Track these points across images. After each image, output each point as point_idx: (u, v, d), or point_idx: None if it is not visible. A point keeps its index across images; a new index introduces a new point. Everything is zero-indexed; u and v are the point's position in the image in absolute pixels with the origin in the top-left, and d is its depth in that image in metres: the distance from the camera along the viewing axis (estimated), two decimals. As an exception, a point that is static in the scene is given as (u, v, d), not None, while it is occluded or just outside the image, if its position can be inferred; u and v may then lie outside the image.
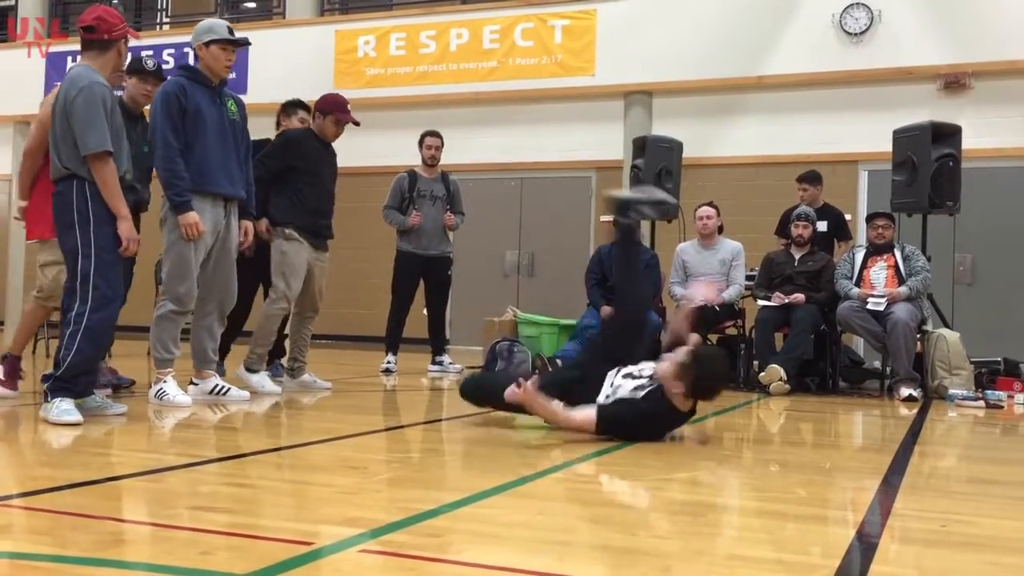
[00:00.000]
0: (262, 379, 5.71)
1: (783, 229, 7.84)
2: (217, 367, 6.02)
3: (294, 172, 5.85)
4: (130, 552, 2.03)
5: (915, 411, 5.89)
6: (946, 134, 7.33)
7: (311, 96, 6.74)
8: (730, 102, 11.09)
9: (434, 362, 7.92)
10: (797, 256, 7.31)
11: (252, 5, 15.42)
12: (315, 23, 13.17)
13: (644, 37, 11.27)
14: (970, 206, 7.81)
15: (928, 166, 7.16)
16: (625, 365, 4.37)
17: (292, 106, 6.72)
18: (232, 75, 5.30)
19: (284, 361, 6.28)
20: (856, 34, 10.44)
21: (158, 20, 15.08)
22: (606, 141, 11.49)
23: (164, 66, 5.73)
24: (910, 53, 10.26)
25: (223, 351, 6.23)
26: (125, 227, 4.11)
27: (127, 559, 1.97)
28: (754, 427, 5.25)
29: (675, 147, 8.43)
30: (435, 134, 7.93)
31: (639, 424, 4.04)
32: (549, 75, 11.71)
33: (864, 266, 7.06)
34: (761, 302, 7.20)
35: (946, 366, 6.81)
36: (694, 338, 4.35)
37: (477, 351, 8.90)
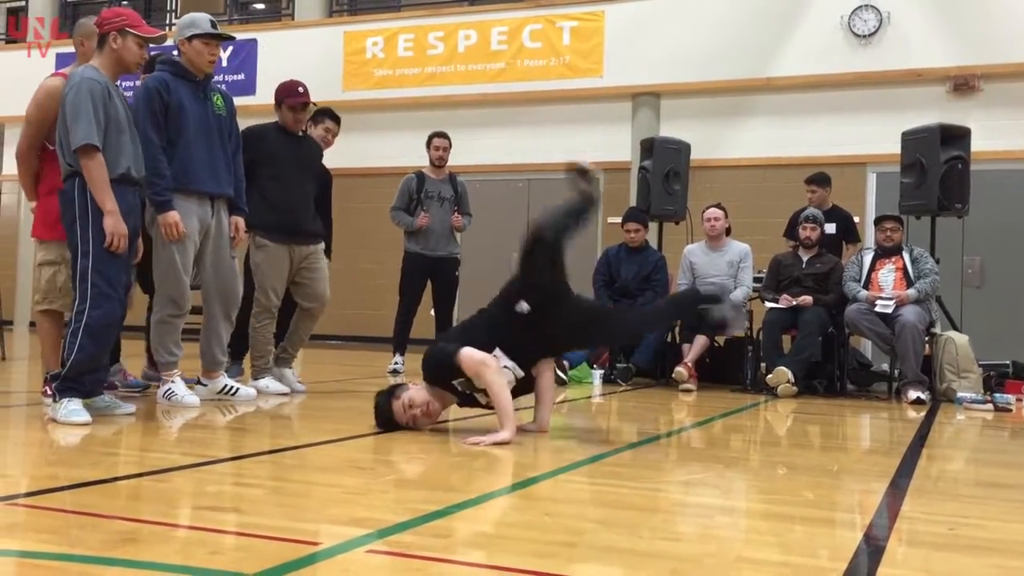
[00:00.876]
0: (268, 382, 5.67)
1: (791, 231, 7.83)
2: (235, 367, 6.08)
3: (257, 168, 5.52)
4: (138, 551, 2.04)
5: (923, 414, 5.88)
6: (955, 136, 7.31)
7: (320, 98, 6.72)
8: (738, 104, 11.09)
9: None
10: (805, 258, 7.30)
11: (261, 6, 15.45)
12: (324, 24, 13.20)
13: (652, 39, 11.27)
14: (979, 208, 7.79)
15: (937, 168, 7.14)
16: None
17: (319, 114, 6.58)
18: (240, 75, 5.31)
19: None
20: (865, 36, 10.42)
21: (167, 21, 15.13)
22: (614, 143, 11.49)
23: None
24: (919, 55, 10.24)
25: (240, 352, 6.23)
26: (109, 222, 4.04)
27: (135, 558, 1.97)
28: (761, 429, 5.24)
29: (683, 149, 8.42)
30: (443, 135, 7.94)
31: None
32: (557, 76, 11.72)
33: (872, 268, 7.04)
34: (769, 304, 7.19)
35: (954, 369, 6.79)
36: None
37: (484, 352, 8.89)
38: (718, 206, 7.68)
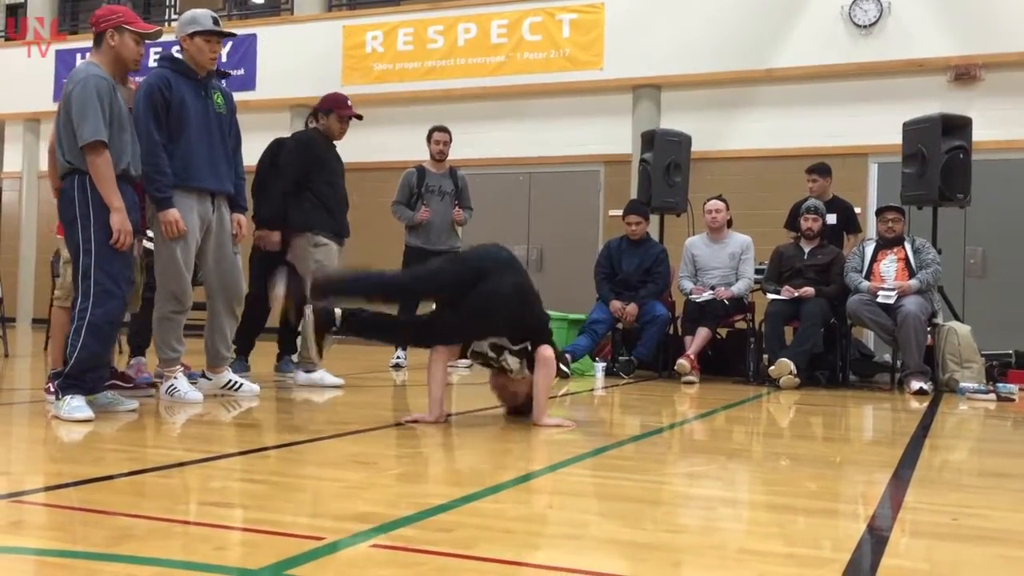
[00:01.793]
0: (322, 374, 5.90)
1: (792, 222, 7.82)
2: (241, 364, 6.17)
3: (312, 175, 5.89)
4: (142, 547, 2.04)
5: (926, 404, 5.88)
6: (956, 126, 7.29)
7: (319, 92, 6.72)
8: (739, 95, 11.07)
9: (444, 357, 7.92)
10: (807, 249, 7.29)
11: (260, 1, 15.43)
12: (323, 19, 13.17)
13: (652, 31, 11.24)
14: (981, 198, 7.78)
15: (938, 158, 7.13)
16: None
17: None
18: (240, 71, 5.32)
19: (295, 357, 6.31)
20: (865, 26, 10.39)
21: (167, 17, 15.12)
22: (614, 135, 11.48)
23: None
24: (920, 45, 10.21)
25: (246, 348, 6.28)
26: (116, 219, 4.06)
27: (139, 554, 1.98)
28: (764, 421, 5.25)
29: (684, 141, 8.41)
30: (443, 129, 7.94)
31: None
32: (557, 69, 11.70)
33: (874, 259, 7.04)
34: (771, 296, 7.19)
35: (957, 359, 6.79)
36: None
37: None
38: (719, 198, 7.67)
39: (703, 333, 7.23)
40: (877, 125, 9.98)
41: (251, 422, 4.51)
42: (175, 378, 4.88)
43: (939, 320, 7.04)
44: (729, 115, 11.08)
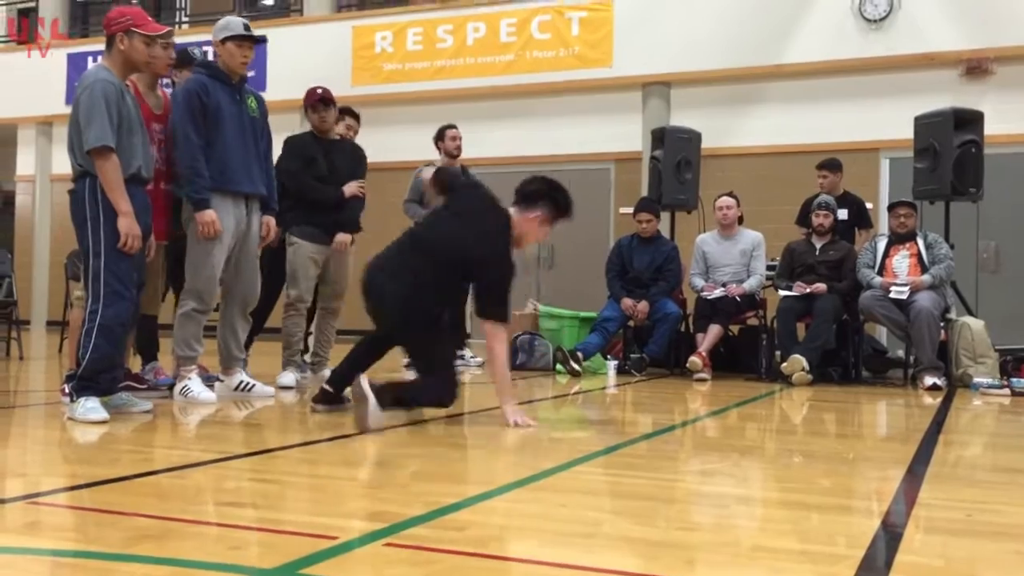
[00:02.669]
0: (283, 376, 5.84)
1: (804, 218, 7.80)
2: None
3: (299, 176, 5.86)
4: (158, 548, 2.05)
5: (939, 400, 5.85)
6: (968, 120, 7.26)
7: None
8: (749, 91, 11.04)
9: (456, 356, 7.93)
10: (818, 245, 7.27)
11: (270, 2, 15.48)
12: (332, 19, 13.21)
13: (661, 28, 11.22)
14: (993, 193, 7.74)
15: (950, 153, 7.10)
16: None
17: (340, 113, 6.66)
18: (251, 72, 5.35)
19: (307, 356, 6.32)
20: (876, 20, 10.35)
21: (177, 19, 15.17)
22: (624, 133, 11.46)
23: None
24: (931, 39, 10.16)
25: (245, 346, 6.28)
26: (124, 223, 4.08)
27: (155, 555, 1.99)
28: (777, 418, 5.24)
29: (694, 138, 8.40)
30: (455, 127, 7.95)
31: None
32: (566, 67, 11.69)
33: (886, 255, 7.01)
34: (783, 292, 7.17)
35: (970, 354, 6.76)
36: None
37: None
38: (730, 195, 7.66)
39: (715, 330, 7.21)
40: (888, 120, 9.94)
41: (263, 422, 4.52)
42: (189, 379, 4.92)
43: (952, 315, 7.01)
44: (739, 111, 11.06)
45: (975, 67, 10.06)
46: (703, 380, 6.91)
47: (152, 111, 4.91)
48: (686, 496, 2.90)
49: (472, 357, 7.92)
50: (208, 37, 5.62)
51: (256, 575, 1.86)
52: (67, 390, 4.23)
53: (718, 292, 7.27)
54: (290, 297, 5.88)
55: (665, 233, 8.24)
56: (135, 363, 5.55)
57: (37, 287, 14.25)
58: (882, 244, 7.09)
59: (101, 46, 4.48)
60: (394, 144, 12.18)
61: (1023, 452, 4.03)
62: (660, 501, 2.73)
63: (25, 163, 15.00)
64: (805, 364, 6.58)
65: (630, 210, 8.20)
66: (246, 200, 5.07)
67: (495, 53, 12.06)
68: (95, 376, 4.10)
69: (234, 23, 5.10)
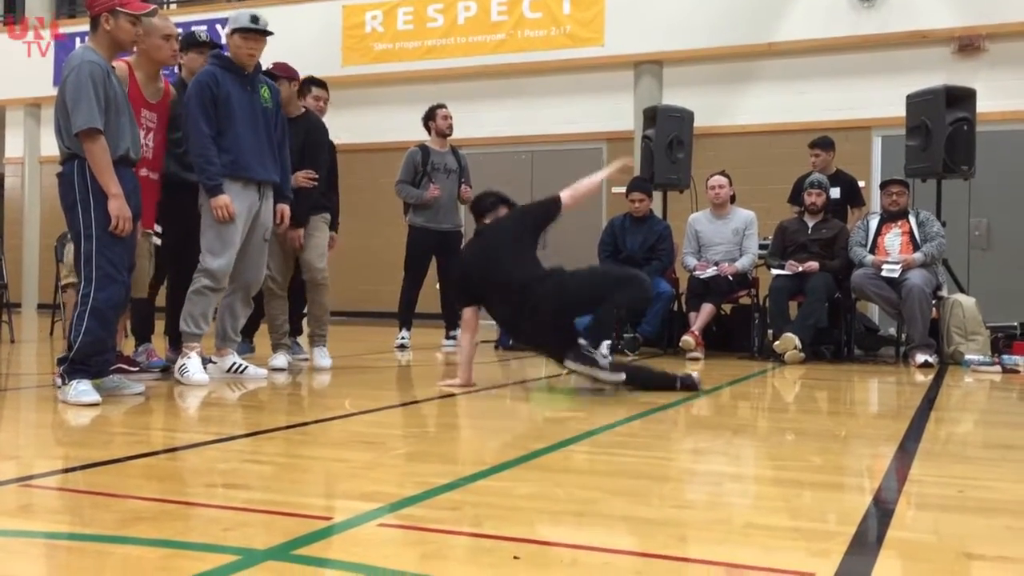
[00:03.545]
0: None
1: (796, 197, 7.80)
2: (246, 346, 6.28)
3: None
4: (151, 529, 2.05)
5: (931, 377, 5.88)
6: (960, 98, 7.25)
7: (320, 73, 6.71)
8: (741, 70, 11.01)
9: (448, 337, 7.93)
10: (810, 224, 7.28)
11: (259, -18, 15.32)
12: (322, -1, 13.11)
13: (653, 6, 11.17)
14: (985, 170, 7.74)
15: (942, 130, 7.09)
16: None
17: (305, 83, 6.63)
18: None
19: (298, 338, 6.34)
20: (868, -2, 10.31)
21: (165, 0, 15.03)
22: (616, 112, 11.44)
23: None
24: (923, 16, 10.14)
25: (251, 329, 6.34)
26: (114, 205, 4.07)
27: (150, 536, 1.99)
28: (769, 396, 5.25)
29: (686, 116, 8.38)
30: (445, 106, 7.92)
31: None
32: (558, 46, 11.64)
33: (878, 233, 7.02)
34: (775, 271, 7.18)
35: (962, 332, 6.78)
36: None
37: (490, 325, 8.91)
38: (722, 173, 7.65)
39: (707, 309, 7.22)
40: (880, 98, 9.93)
41: (257, 404, 4.52)
42: (188, 357, 4.93)
43: (944, 293, 7.03)
44: (731, 90, 11.03)
45: (967, 44, 10.04)
46: (696, 359, 6.93)
47: (148, 99, 4.93)
48: (679, 474, 2.91)
49: (465, 338, 7.91)
50: (197, 17, 5.59)
51: (250, 556, 1.86)
52: (59, 372, 4.21)
53: (710, 271, 7.28)
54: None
55: (657, 212, 8.24)
56: (127, 345, 5.55)
57: (27, 270, 14.20)
58: (874, 222, 7.10)
59: (88, 27, 4.42)
60: (385, 124, 12.15)
61: (1014, 428, 4.06)
62: (653, 480, 2.74)
63: (14, 145, 14.91)
64: (797, 342, 6.59)
65: (622, 190, 8.19)
66: (259, 187, 5.13)
67: (486, 32, 11.99)
68: (87, 359, 4.09)
69: (241, 16, 5.18)
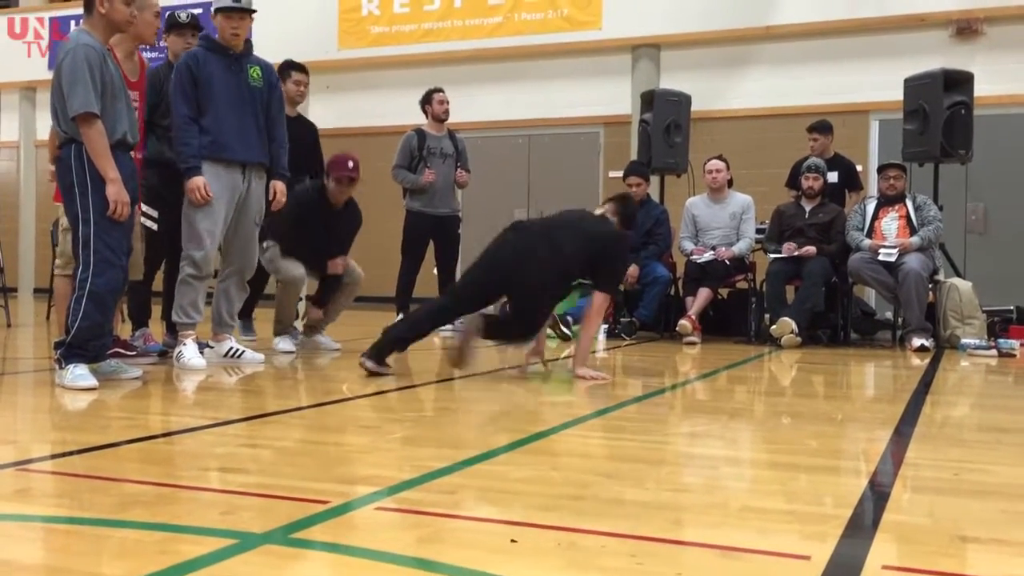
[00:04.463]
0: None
1: (793, 181, 7.80)
2: (247, 329, 6.38)
3: (299, 233, 5.92)
4: (149, 513, 2.06)
5: (927, 361, 5.90)
6: (958, 81, 7.24)
7: (316, 57, 6.68)
8: (738, 53, 10.98)
9: (445, 321, 7.94)
10: (808, 208, 7.27)
11: (254, -36, 15.24)
12: (318, -19, 13.03)
13: (651, -11, 11.12)
14: (983, 154, 7.74)
15: (940, 114, 7.08)
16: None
17: (285, 68, 6.63)
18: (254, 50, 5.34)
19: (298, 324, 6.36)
20: (866, -19, 10.27)
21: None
22: (614, 96, 11.40)
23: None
24: (921, 0, 10.10)
25: (248, 311, 6.38)
26: (112, 190, 4.05)
27: (148, 520, 2.00)
28: (766, 380, 5.26)
29: (683, 100, 8.35)
30: (442, 90, 7.89)
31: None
32: (555, 30, 11.59)
33: (875, 217, 7.02)
34: (772, 255, 7.18)
35: (958, 315, 6.80)
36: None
37: (488, 309, 8.90)
38: (719, 158, 7.64)
39: (704, 293, 7.23)
40: (878, 82, 9.91)
41: (254, 388, 4.53)
42: (184, 344, 4.94)
43: (940, 277, 7.04)
44: (729, 74, 11.00)
45: (965, 28, 10.01)
46: (693, 343, 6.94)
47: (128, 78, 4.83)
48: (675, 458, 2.92)
49: (461, 322, 7.90)
50: (187, 1, 5.56)
51: (248, 539, 1.86)
52: (56, 356, 4.21)
53: (708, 255, 7.28)
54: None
55: (655, 197, 8.23)
56: (124, 330, 5.55)
57: (23, 254, 14.17)
58: (871, 206, 7.10)
59: (82, 10, 4.38)
60: (381, 108, 12.10)
61: (1009, 412, 4.07)
62: (650, 463, 2.74)
63: (8, 129, 14.85)
64: (794, 327, 6.60)
65: (619, 174, 8.18)
66: (244, 169, 5.06)
67: (483, 15, 11.94)
68: (84, 344, 4.09)
69: None
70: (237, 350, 5.22)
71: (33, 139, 14.39)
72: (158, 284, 5.56)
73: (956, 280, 7.01)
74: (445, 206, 7.76)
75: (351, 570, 1.74)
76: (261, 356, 5.32)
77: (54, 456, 2.81)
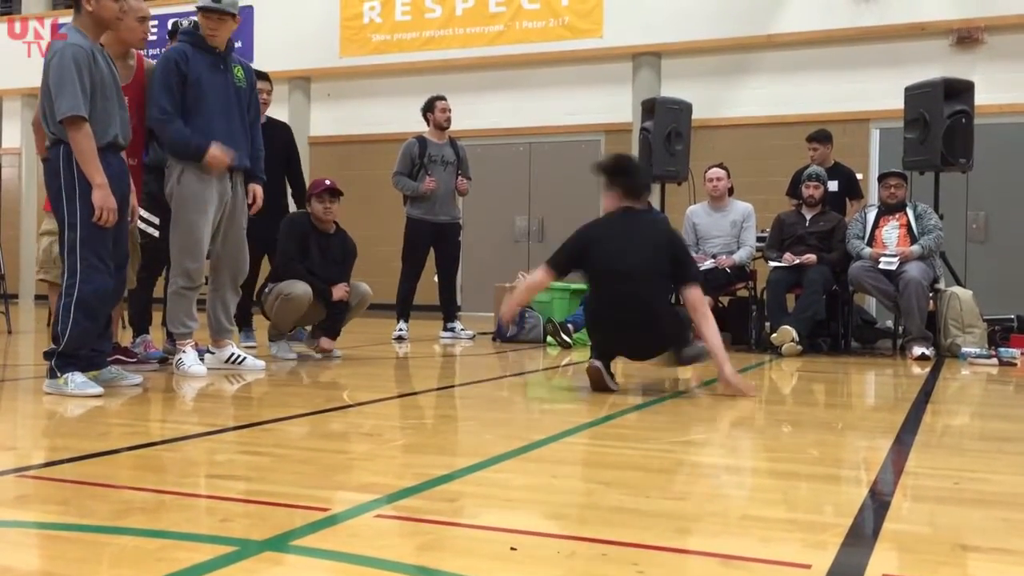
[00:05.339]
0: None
1: (794, 189, 7.80)
2: (248, 337, 6.44)
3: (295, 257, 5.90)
4: (149, 520, 2.05)
5: (928, 370, 5.89)
6: (959, 90, 7.24)
7: (318, 64, 6.70)
8: (739, 62, 10.99)
9: (446, 329, 7.95)
10: (808, 216, 7.27)
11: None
12: (320, -11, 13.06)
13: (652, -2, 11.14)
14: (983, 163, 7.74)
15: (940, 123, 7.08)
16: None
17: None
18: (238, 43, 5.30)
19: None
20: (867, -10, 10.29)
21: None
22: (615, 104, 11.42)
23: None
24: (922, 8, 10.12)
25: (247, 320, 6.38)
26: (98, 195, 3.97)
27: (146, 527, 1.99)
28: (766, 388, 5.26)
29: (684, 108, 8.36)
30: (444, 98, 7.90)
31: None
32: (556, 38, 11.62)
33: (876, 225, 7.02)
34: (772, 263, 7.18)
35: (959, 324, 6.79)
36: None
37: (488, 317, 8.92)
38: (720, 166, 7.64)
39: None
40: (879, 90, 9.92)
41: (254, 396, 4.52)
42: (183, 352, 4.93)
43: (941, 285, 7.03)
44: (730, 82, 11.02)
45: (966, 37, 10.03)
46: (693, 351, 6.92)
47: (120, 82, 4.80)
48: (676, 466, 2.91)
49: (462, 330, 7.92)
50: (184, 9, 5.55)
51: (247, 547, 1.86)
52: (50, 366, 4.15)
53: (708, 263, 7.27)
54: None
55: (655, 205, 8.23)
56: (125, 336, 5.55)
57: (25, 261, 14.14)
58: (872, 215, 7.10)
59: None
60: (383, 116, 12.12)
61: (1010, 421, 4.06)
62: (650, 472, 2.74)
63: (11, 135, 14.87)
64: (795, 335, 6.60)
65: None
66: (230, 173, 5.03)
67: (484, 23, 11.96)
68: (76, 352, 4.04)
69: None
70: (238, 356, 5.22)
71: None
72: (159, 291, 5.56)
73: (957, 289, 7.00)
74: (446, 213, 7.77)
75: (350, 578, 1.73)
76: (262, 363, 5.31)
77: (54, 463, 2.81)
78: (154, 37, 12.79)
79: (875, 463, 2.97)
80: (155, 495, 2.30)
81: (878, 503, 2.36)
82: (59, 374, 4.04)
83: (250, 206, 5.19)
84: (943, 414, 4.25)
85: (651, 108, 8.30)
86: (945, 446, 3.40)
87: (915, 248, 6.76)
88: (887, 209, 7.04)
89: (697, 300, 4.46)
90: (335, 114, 12.55)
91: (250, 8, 12.70)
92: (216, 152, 4.81)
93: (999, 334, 6.92)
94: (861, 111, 10.33)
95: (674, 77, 11.10)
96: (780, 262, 7.08)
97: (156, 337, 5.57)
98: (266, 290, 5.85)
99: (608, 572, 1.76)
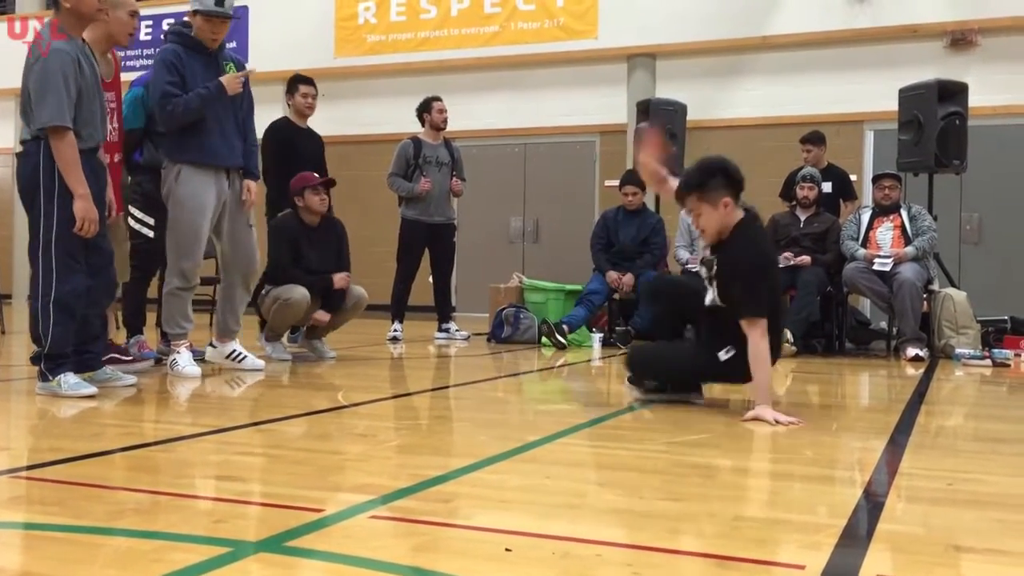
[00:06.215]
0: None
1: (788, 191, 7.81)
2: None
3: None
4: (143, 521, 2.05)
5: (922, 371, 5.90)
6: (953, 92, 7.26)
7: (313, 65, 6.70)
8: (734, 63, 11.01)
9: (440, 329, 7.94)
10: (802, 218, 7.29)
11: (251, -28, 15.25)
12: (314, -11, 13.05)
13: (647, -1, 11.16)
14: (977, 165, 7.76)
15: (934, 125, 7.10)
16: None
17: (293, 83, 6.67)
18: (231, 43, 5.29)
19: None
20: (861, -8, 10.31)
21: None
22: (609, 105, 11.42)
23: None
24: (916, 10, 10.14)
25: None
26: (80, 206, 3.89)
27: (141, 528, 1.99)
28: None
29: (679, 110, 8.37)
30: (440, 99, 7.90)
31: None
32: (551, 39, 11.62)
33: (870, 227, 7.03)
34: (767, 264, 7.17)
35: (953, 325, 6.80)
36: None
37: (483, 318, 8.91)
38: (715, 167, 7.63)
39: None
40: (873, 92, 9.94)
41: (249, 396, 4.52)
42: (178, 352, 4.92)
43: (935, 287, 7.05)
44: (725, 83, 11.03)
45: (960, 39, 10.05)
46: (688, 352, 6.92)
47: (103, 78, 4.53)
48: (670, 467, 2.92)
49: (457, 331, 7.92)
50: (178, 9, 5.51)
51: (242, 548, 1.86)
52: (40, 370, 4.07)
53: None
54: None
55: (650, 206, 8.24)
56: (119, 336, 5.53)
57: (18, 260, 14.13)
58: (866, 216, 7.11)
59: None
60: (378, 117, 12.11)
61: (1004, 422, 4.07)
62: (644, 472, 2.74)
63: (3, 136, 14.83)
64: (789, 336, 6.60)
65: (615, 183, 8.19)
66: (227, 172, 5.03)
67: (479, 24, 11.96)
68: (62, 352, 3.99)
69: None
70: (240, 354, 5.21)
71: (28, 146, 14.37)
72: (152, 291, 5.55)
73: (951, 290, 7.02)
74: (441, 214, 7.77)
75: (345, 579, 1.73)
76: (262, 363, 5.30)
77: (48, 464, 2.80)
78: (147, 37, 12.80)
79: (869, 464, 2.98)
80: (149, 496, 2.30)
81: (872, 504, 2.37)
82: (51, 377, 4.00)
83: (244, 201, 5.15)
84: (937, 415, 4.26)
85: (646, 109, 8.31)
86: (939, 447, 3.41)
87: (909, 249, 6.78)
88: (881, 211, 7.06)
89: (750, 342, 3.92)
90: (330, 115, 12.48)
91: (245, 8, 12.68)
92: (232, 79, 4.84)
93: (993, 335, 6.93)
94: (855, 113, 10.36)
95: (669, 78, 11.11)
96: (774, 263, 7.08)
97: (150, 338, 5.56)
98: (263, 292, 5.85)
99: (603, 573, 1.76)
